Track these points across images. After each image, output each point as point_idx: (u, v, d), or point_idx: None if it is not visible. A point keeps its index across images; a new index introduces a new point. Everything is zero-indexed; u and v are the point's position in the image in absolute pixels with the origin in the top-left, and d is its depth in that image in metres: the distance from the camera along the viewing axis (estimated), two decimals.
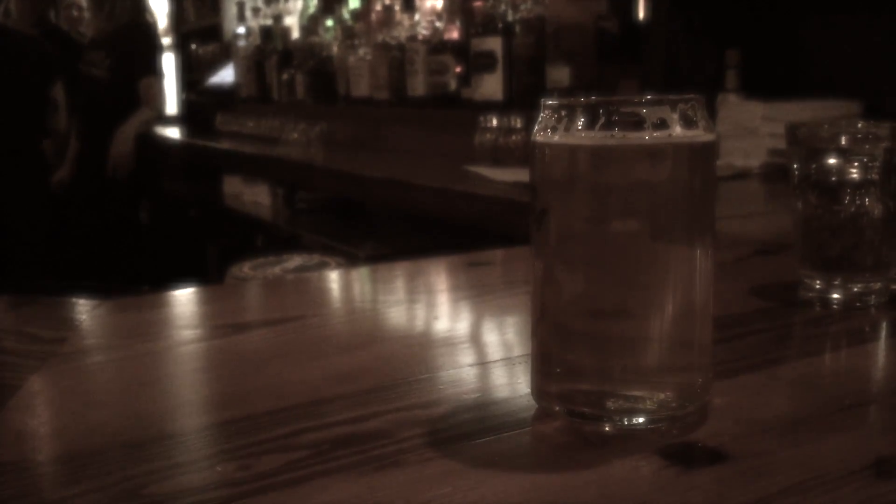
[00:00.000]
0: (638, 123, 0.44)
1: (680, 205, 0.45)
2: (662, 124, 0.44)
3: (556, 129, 0.46)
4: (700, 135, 0.45)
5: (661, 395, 0.47)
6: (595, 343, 0.47)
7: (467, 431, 0.47)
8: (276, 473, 0.42)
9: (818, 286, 0.75)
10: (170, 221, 3.62)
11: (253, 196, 2.85)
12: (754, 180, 1.62)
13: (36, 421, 0.51)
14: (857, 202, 0.75)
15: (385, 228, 2.15)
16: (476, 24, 2.08)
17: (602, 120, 0.44)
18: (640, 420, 0.46)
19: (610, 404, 0.46)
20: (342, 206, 2.48)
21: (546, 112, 0.46)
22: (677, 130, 0.44)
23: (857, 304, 0.72)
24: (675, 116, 0.44)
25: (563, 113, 0.45)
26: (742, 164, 1.69)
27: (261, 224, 2.66)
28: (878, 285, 0.73)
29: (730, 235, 0.97)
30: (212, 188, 3.20)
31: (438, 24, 2.35)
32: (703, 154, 0.45)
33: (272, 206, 2.71)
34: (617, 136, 0.44)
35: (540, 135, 0.46)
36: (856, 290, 0.73)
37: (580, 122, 0.45)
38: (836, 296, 0.73)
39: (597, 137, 0.44)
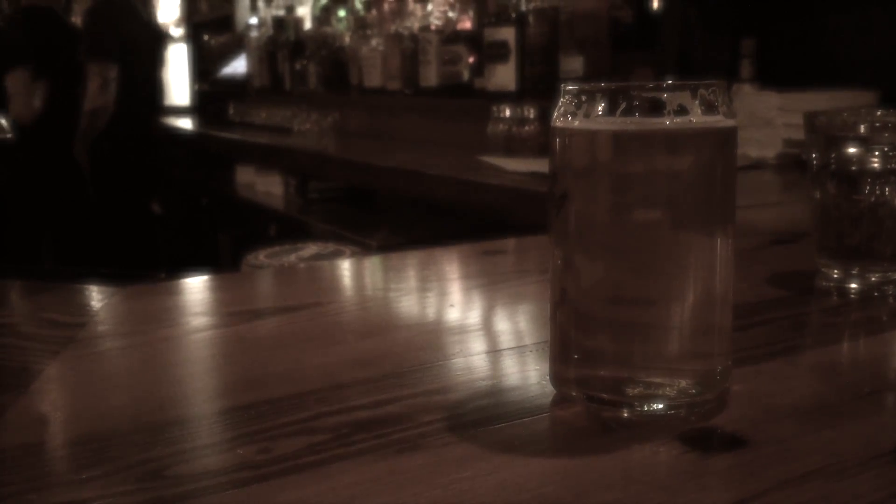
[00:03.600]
0: (658, 109, 0.44)
1: (700, 191, 0.45)
2: (683, 110, 0.44)
3: (575, 114, 0.45)
4: (721, 120, 0.45)
5: (681, 382, 0.47)
6: (614, 329, 0.47)
7: (486, 416, 0.47)
8: (296, 456, 0.42)
9: (836, 275, 0.74)
10: (182, 211, 3.64)
11: (265, 186, 2.86)
12: (770, 171, 1.61)
13: (57, 404, 0.51)
14: (878, 192, 0.75)
15: (397, 218, 2.15)
16: (489, 13, 2.08)
17: (623, 105, 0.44)
18: (660, 406, 0.46)
19: (629, 390, 0.46)
20: (354, 196, 2.48)
21: (566, 97, 0.46)
22: (698, 116, 0.44)
23: (876, 294, 0.72)
24: (696, 102, 0.44)
25: (584, 98, 0.45)
26: (757, 155, 1.68)
27: (273, 214, 2.67)
28: None
29: (746, 225, 0.96)
30: (224, 178, 3.21)
31: (451, 14, 2.34)
32: (724, 140, 0.45)
33: (284, 196, 2.72)
34: (637, 122, 0.44)
35: (560, 120, 0.46)
36: (874, 279, 0.73)
37: (600, 108, 0.45)
38: (854, 285, 0.73)
39: (617, 123, 0.44)
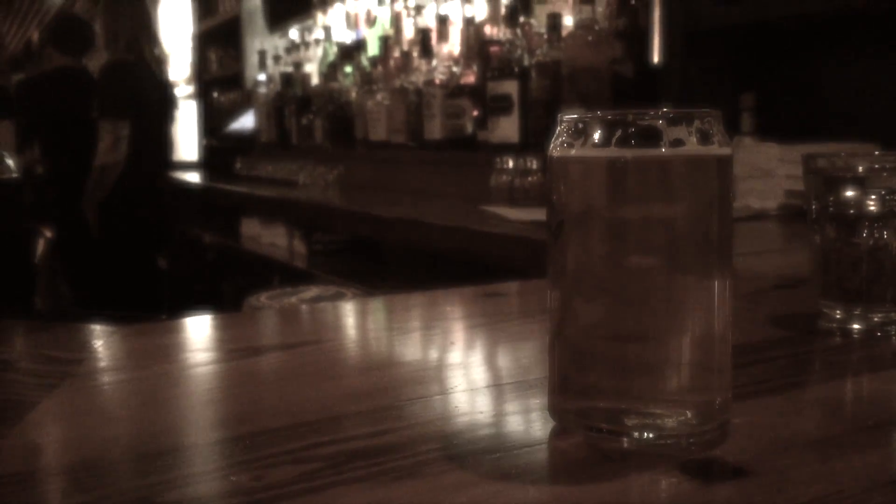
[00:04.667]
0: (654, 138, 0.44)
1: (696, 219, 0.45)
2: (678, 140, 0.45)
3: (572, 143, 0.46)
4: (716, 149, 0.45)
5: (681, 413, 0.46)
6: (613, 364, 0.47)
7: (484, 447, 0.46)
8: (290, 483, 0.41)
9: (838, 316, 0.74)
10: (188, 265, 3.65)
11: (270, 238, 2.87)
12: (771, 221, 1.62)
13: (51, 435, 0.51)
14: (876, 235, 0.75)
15: (402, 269, 2.16)
16: (492, 68, 2.11)
17: (618, 134, 0.44)
18: (659, 436, 0.45)
19: (628, 420, 0.46)
20: (358, 248, 2.49)
21: (563, 126, 0.47)
22: (693, 144, 0.44)
23: (878, 334, 0.71)
24: (692, 130, 0.45)
25: (581, 126, 0.46)
26: (759, 206, 1.69)
27: (277, 265, 2.68)
28: None
29: (747, 271, 0.96)
30: (230, 231, 3.23)
31: (455, 68, 2.38)
32: (720, 167, 0.45)
33: (289, 248, 2.73)
34: (633, 150, 0.44)
35: (557, 149, 0.47)
36: (876, 319, 0.72)
37: (596, 137, 0.45)
38: (856, 326, 0.72)
39: (613, 151, 0.44)
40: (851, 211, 0.76)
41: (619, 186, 0.44)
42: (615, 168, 0.44)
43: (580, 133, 0.46)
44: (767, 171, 1.73)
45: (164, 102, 3.26)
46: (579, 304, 0.47)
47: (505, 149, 2.02)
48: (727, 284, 0.47)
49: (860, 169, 0.74)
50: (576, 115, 0.46)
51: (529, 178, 1.89)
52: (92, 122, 2.97)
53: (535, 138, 1.99)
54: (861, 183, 0.75)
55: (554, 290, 0.48)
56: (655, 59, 1.92)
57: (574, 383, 0.48)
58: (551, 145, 0.47)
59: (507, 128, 2.04)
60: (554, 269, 0.48)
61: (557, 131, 0.47)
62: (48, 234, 3.59)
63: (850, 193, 0.76)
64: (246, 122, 4.09)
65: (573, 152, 0.46)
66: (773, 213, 1.66)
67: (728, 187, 0.46)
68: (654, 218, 0.44)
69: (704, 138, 0.45)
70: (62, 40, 3.35)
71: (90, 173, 2.97)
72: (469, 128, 2.28)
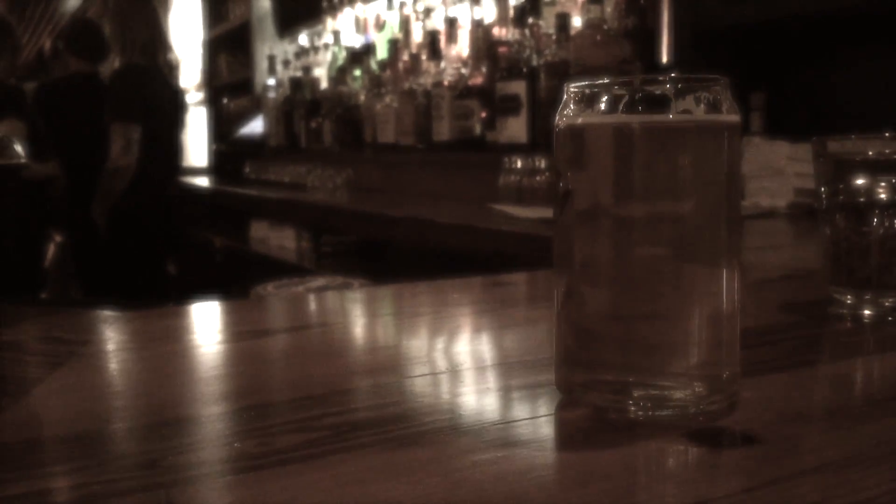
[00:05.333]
0: (662, 104, 0.44)
1: (704, 186, 0.45)
2: (686, 105, 0.44)
3: (578, 111, 0.46)
4: (724, 116, 0.45)
5: (687, 385, 0.46)
6: (620, 341, 0.46)
7: (489, 419, 0.46)
8: (295, 449, 0.41)
9: (849, 302, 0.73)
10: (197, 268, 3.66)
11: (279, 240, 2.88)
12: (781, 219, 1.61)
13: (57, 406, 0.51)
14: (886, 224, 0.74)
15: (410, 269, 2.16)
16: (501, 68, 2.11)
17: (625, 101, 0.44)
18: (666, 408, 0.45)
19: (635, 392, 0.45)
20: (367, 249, 2.49)
21: (569, 95, 0.47)
22: (701, 112, 0.44)
23: (890, 319, 0.70)
24: (700, 97, 0.44)
25: (587, 93, 0.45)
26: (768, 204, 1.68)
27: (286, 267, 2.68)
28: None
29: (757, 264, 0.96)
30: (239, 234, 3.23)
31: (464, 70, 2.39)
32: (728, 134, 0.45)
33: (297, 250, 2.74)
34: (640, 116, 0.44)
35: (563, 117, 0.46)
36: (887, 304, 0.72)
37: (602, 104, 0.45)
38: (867, 311, 0.72)
39: (620, 118, 0.44)
40: (862, 199, 0.75)
41: (626, 153, 0.44)
42: (622, 134, 0.44)
43: (587, 101, 0.45)
44: (777, 170, 1.72)
45: (175, 107, 3.27)
46: (586, 278, 0.47)
47: (513, 149, 2.02)
48: (736, 257, 0.46)
49: (870, 153, 0.74)
50: (582, 83, 0.46)
51: (538, 178, 1.89)
52: (104, 125, 2.98)
53: (543, 138, 1.99)
54: (872, 168, 0.74)
55: (560, 262, 0.48)
56: (664, 58, 1.92)
57: (581, 358, 0.47)
58: (557, 114, 0.47)
59: (516, 128, 2.04)
60: (560, 239, 0.47)
61: (563, 100, 0.47)
62: (58, 238, 3.61)
63: (860, 181, 0.75)
64: (255, 126, 4.11)
65: (580, 120, 0.46)
66: (783, 211, 1.66)
67: (737, 154, 0.45)
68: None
69: (713, 106, 0.45)
70: (79, 45, 3.38)
71: (101, 176, 2.98)
72: (477, 129, 2.28)
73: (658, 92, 0.44)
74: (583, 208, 0.46)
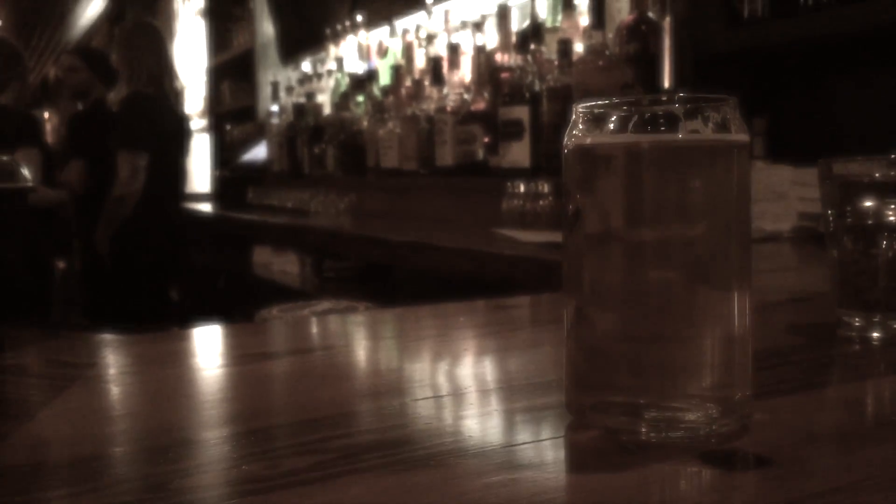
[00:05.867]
0: (671, 124, 0.44)
1: (714, 205, 0.45)
2: (695, 125, 0.44)
3: (587, 131, 0.46)
4: (733, 136, 0.45)
5: (700, 407, 0.45)
6: (631, 363, 0.46)
7: (498, 441, 0.45)
8: (303, 472, 0.41)
9: (857, 324, 0.73)
10: (199, 294, 3.65)
11: (282, 266, 2.87)
12: (785, 243, 1.61)
13: (62, 429, 0.50)
14: (895, 246, 0.74)
15: (413, 295, 2.15)
16: (504, 93, 2.12)
17: (634, 120, 0.44)
18: (679, 431, 0.44)
19: (647, 414, 0.45)
20: (370, 274, 2.49)
21: (578, 115, 0.47)
22: (710, 131, 0.44)
23: None
24: (709, 117, 0.44)
25: (596, 113, 0.45)
26: (772, 228, 1.68)
27: (289, 292, 2.68)
28: None
29: (763, 287, 0.95)
30: (241, 259, 3.23)
31: (466, 95, 2.40)
32: (737, 154, 0.45)
33: (300, 275, 2.73)
34: (649, 136, 0.44)
35: (572, 137, 0.46)
36: None
37: (611, 124, 0.45)
38: (876, 334, 0.71)
39: (629, 137, 0.44)
40: (870, 221, 0.75)
41: (636, 172, 0.44)
42: (632, 154, 0.44)
43: (595, 121, 0.45)
44: (781, 194, 1.72)
45: (180, 134, 3.30)
46: (596, 299, 0.46)
47: (516, 173, 2.02)
48: (747, 278, 0.46)
49: (877, 175, 0.74)
50: (591, 103, 0.46)
51: (541, 202, 1.89)
52: (111, 153, 3.01)
53: (546, 163, 1.99)
54: (879, 190, 0.74)
55: (570, 283, 0.47)
56: (666, 83, 1.93)
57: (591, 380, 0.47)
58: (566, 135, 0.47)
59: (519, 153, 2.05)
60: (569, 260, 0.47)
61: (572, 121, 0.47)
62: (61, 264, 3.61)
63: (868, 204, 0.75)
64: (258, 152, 4.12)
65: (589, 140, 0.45)
66: (787, 235, 1.66)
67: (746, 174, 0.45)
68: (671, 206, 0.44)
69: (722, 125, 0.45)
70: (103, 71, 3.43)
71: (107, 204, 2.99)
72: (480, 154, 2.28)
73: (667, 111, 0.44)
74: (592, 229, 0.45)
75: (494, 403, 0.53)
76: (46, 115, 6.55)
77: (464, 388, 0.57)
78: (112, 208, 2.97)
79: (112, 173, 2.97)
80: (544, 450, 0.44)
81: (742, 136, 0.45)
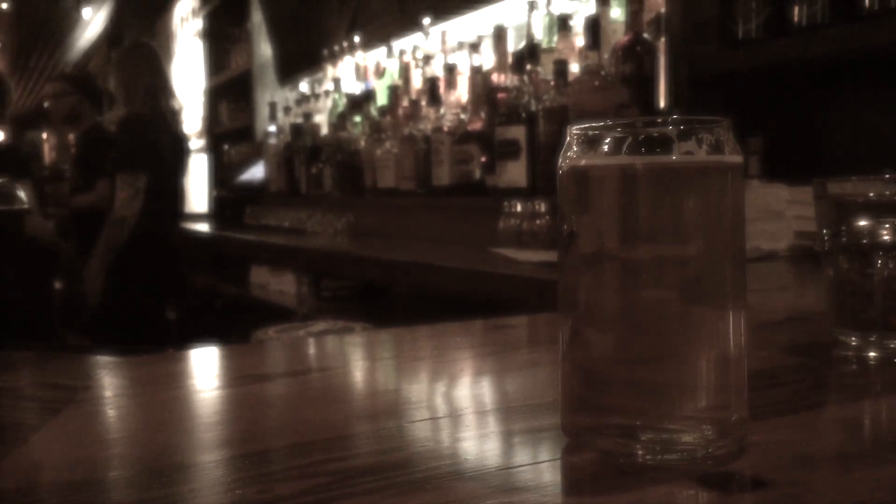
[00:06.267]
0: (665, 146, 0.44)
1: (709, 227, 0.45)
2: (689, 147, 0.44)
3: (582, 153, 0.46)
4: (727, 157, 0.45)
5: (696, 429, 0.45)
6: (628, 386, 0.46)
7: (494, 463, 0.45)
8: (298, 496, 0.40)
9: (854, 343, 0.73)
10: (196, 314, 3.64)
11: (279, 285, 2.87)
12: (781, 262, 1.61)
13: (55, 453, 0.50)
14: (891, 265, 0.74)
15: (411, 313, 2.15)
16: (500, 114, 2.13)
17: (628, 142, 0.44)
18: (675, 452, 0.44)
19: (643, 436, 0.45)
20: (367, 293, 2.49)
21: (572, 137, 0.47)
22: (704, 153, 0.44)
23: (895, 361, 0.70)
24: (703, 139, 0.44)
25: (590, 135, 0.45)
26: (768, 247, 1.68)
27: (286, 312, 2.67)
28: None
29: (759, 306, 0.95)
30: (239, 279, 3.23)
31: (463, 115, 2.41)
32: (731, 175, 0.45)
33: (297, 295, 2.73)
34: (643, 158, 0.44)
35: (566, 159, 0.47)
36: (893, 346, 0.71)
37: (605, 146, 0.45)
38: (872, 353, 0.71)
39: (623, 159, 0.44)
40: (865, 241, 0.75)
41: (630, 194, 0.44)
42: (626, 175, 0.44)
43: (590, 142, 0.46)
44: (777, 213, 1.72)
45: (178, 154, 3.30)
46: (592, 320, 0.46)
47: (513, 193, 2.02)
48: (742, 298, 0.46)
49: (871, 195, 0.74)
50: (585, 125, 0.46)
51: (538, 222, 1.89)
52: (110, 175, 3.01)
53: (543, 182, 2.00)
54: (874, 209, 0.74)
55: (565, 304, 0.47)
56: (661, 104, 1.94)
57: (587, 402, 0.47)
58: (560, 156, 0.47)
59: (515, 172, 2.05)
60: (565, 281, 0.47)
61: (566, 143, 0.47)
62: (57, 285, 3.60)
63: (863, 223, 0.75)
64: (256, 172, 4.13)
65: (583, 162, 0.46)
66: (783, 254, 1.66)
67: (740, 195, 0.45)
68: (666, 227, 0.44)
69: (715, 147, 0.45)
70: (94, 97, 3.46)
71: (107, 226, 2.98)
72: (477, 173, 2.29)
73: (661, 133, 0.44)
74: (587, 250, 0.46)
75: (491, 425, 0.53)
76: (45, 135, 6.56)
77: (461, 409, 0.57)
78: (112, 230, 2.97)
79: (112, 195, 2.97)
80: (541, 472, 0.44)
81: (736, 158, 0.45)
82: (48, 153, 6.51)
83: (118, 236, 2.96)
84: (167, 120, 3.23)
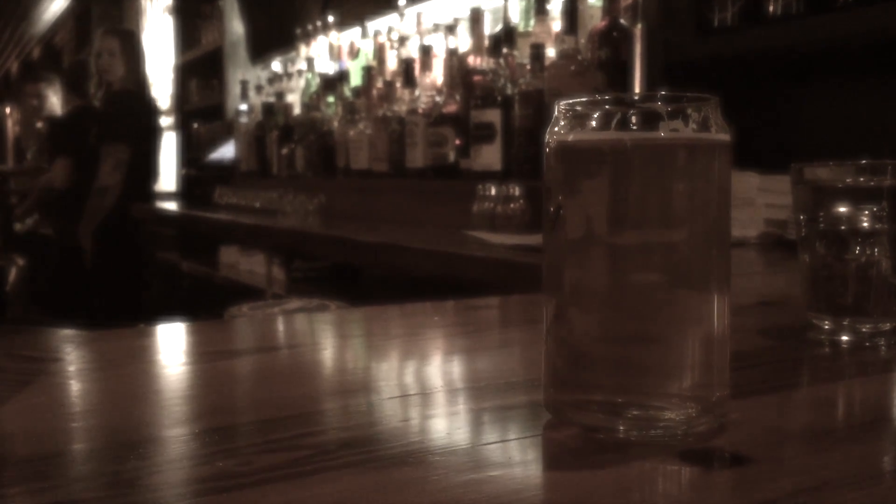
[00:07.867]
0: (654, 122, 0.44)
1: (695, 204, 0.45)
2: (677, 124, 0.44)
3: (570, 128, 0.46)
4: (715, 135, 0.45)
5: (678, 406, 0.45)
6: (611, 363, 0.46)
7: (475, 439, 0.45)
8: (279, 468, 0.40)
9: (827, 327, 0.74)
10: (164, 294, 3.60)
11: (249, 266, 2.84)
12: (752, 249, 1.62)
13: (26, 425, 0.49)
14: (868, 252, 0.75)
15: (383, 296, 2.14)
16: (476, 96, 2.13)
17: (617, 118, 0.44)
18: (658, 430, 0.44)
19: (627, 413, 0.45)
20: (339, 274, 2.47)
21: (560, 112, 0.46)
22: (692, 129, 0.44)
23: (867, 345, 0.71)
24: (690, 116, 0.44)
25: (578, 111, 0.45)
26: (739, 234, 1.70)
27: (256, 293, 2.65)
28: (887, 326, 0.72)
29: (732, 291, 0.96)
30: (208, 259, 3.19)
31: (438, 98, 2.39)
32: (718, 153, 0.45)
33: (267, 275, 2.70)
34: (632, 134, 0.44)
35: (554, 134, 0.46)
36: (865, 330, 0.72)
37: (594, 122, 0.45)
38: (845, 337, 0.72)
39: (612, 135, 0.44)
40: (843, 227, 0.75)
41: (618, 170, 0.44)
42: (614, 151, 0.44)
43: (578, 118, 0.45)
44: (747, 201, 1.74)
45: (156, 130, 3.32)
46: (577, 299, 0.46)
47: (488, 176, 2.02)
48: (727, 279, 0.46)
49: (848, 180, 0.75)
50: (573, 101, 0.45)
51: (512, 205, 1.89)
52: (94, 147, 3.03)
53: (517, 166, 1.99)
54: (852, 195, 0.74)
55: (550, 282, 0.47)
56: (637, 89, 1.94)
57: (570, 378, 0.47)
58: (548, 132, 0.47)
59: (490, 156, 2.05)
60: (550, 259, 0.47)
61: (554, 118, 0.47)
62: (20, 262, 3.55)
63: (841, 209, 0.75)
64: (226, 151, 4.07)
65: (571, 137, 0.45)
66: (753, 241, 1.68)
67: (727, 173, 0.45)
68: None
69: (703, 125, 0.45)
70: (76, 85, 3.49)
71: (91, 196, 3.00)
72: (451, 156, 2.28)
73: (650, 110, 0.44)
74: (573, 226, 0.45)
75: (469, 402, 0.53)
76: (8, 110, 6.42)
77: (439, 385, 0.56)
78: (95, 200, 2.99)
79: (91, 172, 2.98)
80: (523, 447, 0.43)
81: (723, 136, 0.45)
82: (11, 128, 6.37)
83: (101, 204, 2.98)
84: (150, 96, 3.26)
